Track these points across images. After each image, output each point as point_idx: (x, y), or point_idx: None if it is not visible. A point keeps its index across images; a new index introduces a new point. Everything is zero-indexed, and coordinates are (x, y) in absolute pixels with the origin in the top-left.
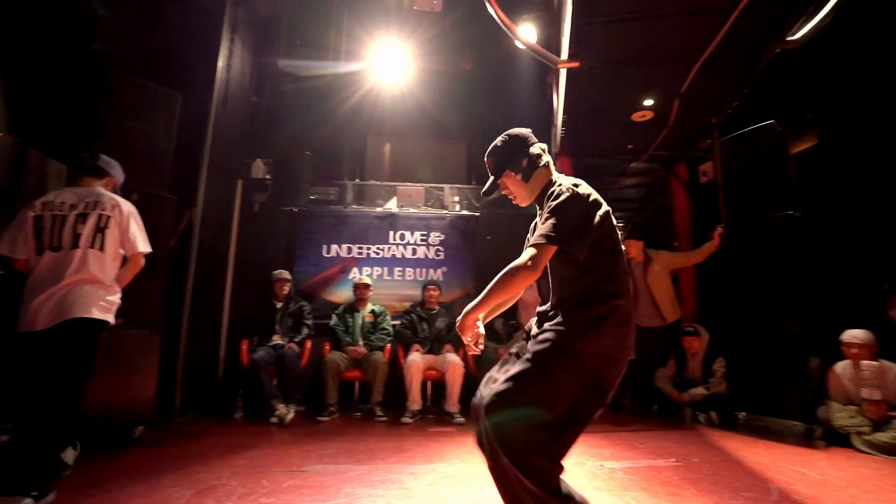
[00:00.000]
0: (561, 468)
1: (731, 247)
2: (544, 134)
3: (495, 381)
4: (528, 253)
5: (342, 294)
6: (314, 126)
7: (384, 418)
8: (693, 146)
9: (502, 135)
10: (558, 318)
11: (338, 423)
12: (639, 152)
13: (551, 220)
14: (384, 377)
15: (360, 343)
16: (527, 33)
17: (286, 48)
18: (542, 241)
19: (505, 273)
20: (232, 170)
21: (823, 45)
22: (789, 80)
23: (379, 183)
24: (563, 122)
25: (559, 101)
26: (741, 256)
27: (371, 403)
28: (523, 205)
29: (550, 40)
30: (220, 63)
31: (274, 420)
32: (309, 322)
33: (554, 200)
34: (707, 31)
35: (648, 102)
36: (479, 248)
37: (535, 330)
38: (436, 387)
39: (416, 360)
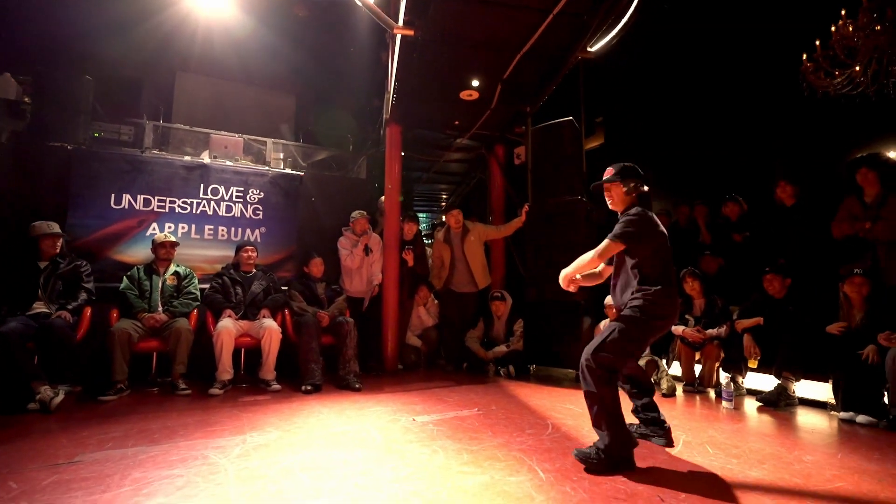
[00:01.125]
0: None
1: (534, 223)
2: (377, 98)
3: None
4: (601, 244)
5: (136, 253)
6: (102, 45)
7: (188, 392)
8: (510, 130)
9: (629, 163)
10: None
11: (128, 401)
12: (464, 129)
13: (620, 226)
14: (188, 346)
15: (160, 309)
16: None
17: None
18: (611, 239)
19: (584, 255)
20: None
21: (613, 65)
22: (588, 86)
23: (188, 128)
24: (394, 88)
25: (393, 67)
26: (542, 233)
27: (173, 377)
28: (614, 208)
29: (390, 3)
30: None
31: (34, 406)
32: (89, 285)
33: (629, 215)
34: (528, 28)
35: (475, 83)
36: (303, 209)
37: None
38: (250, 355)
39: (228, 325)
